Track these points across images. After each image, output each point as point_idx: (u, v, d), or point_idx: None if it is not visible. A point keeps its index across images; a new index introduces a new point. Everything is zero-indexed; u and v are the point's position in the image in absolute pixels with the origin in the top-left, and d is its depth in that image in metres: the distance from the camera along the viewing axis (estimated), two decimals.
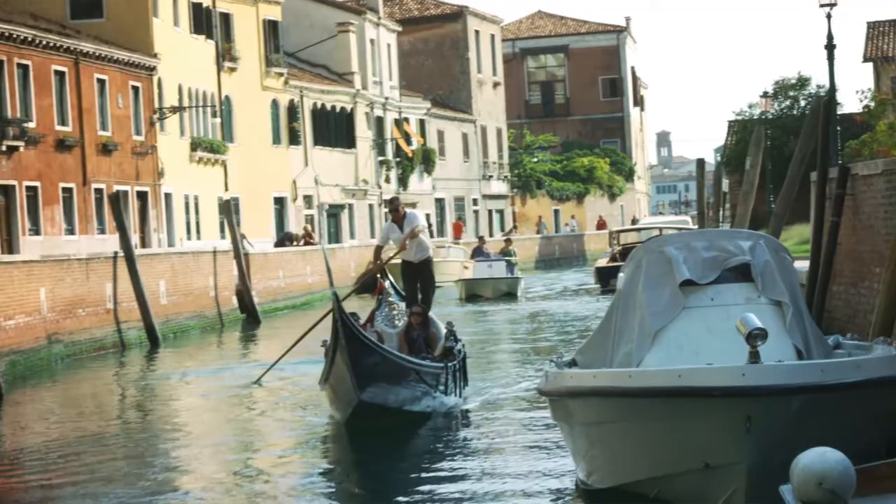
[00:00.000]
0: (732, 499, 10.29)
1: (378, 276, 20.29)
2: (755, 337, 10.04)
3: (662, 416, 10.44)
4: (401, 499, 13.08)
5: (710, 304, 11.53)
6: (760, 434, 9.94)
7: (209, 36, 54.42)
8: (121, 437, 18.84)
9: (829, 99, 24.17)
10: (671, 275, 11.83)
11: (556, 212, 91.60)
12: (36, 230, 41.76)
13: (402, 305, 19.43)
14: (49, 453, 17.52)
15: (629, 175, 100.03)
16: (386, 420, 16.96)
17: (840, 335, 12.98)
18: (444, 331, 19.12)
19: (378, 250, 20.43)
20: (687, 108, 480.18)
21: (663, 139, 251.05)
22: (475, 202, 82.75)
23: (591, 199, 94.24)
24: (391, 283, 20.40)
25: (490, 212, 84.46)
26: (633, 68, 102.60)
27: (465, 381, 19.46)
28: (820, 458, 7.17)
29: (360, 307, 21.34)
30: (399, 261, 20.32)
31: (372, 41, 70.62)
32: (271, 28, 60.29)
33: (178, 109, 50.77)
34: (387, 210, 20.53)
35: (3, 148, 40.02)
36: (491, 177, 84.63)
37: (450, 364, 18.39)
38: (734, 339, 10.54)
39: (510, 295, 46.76)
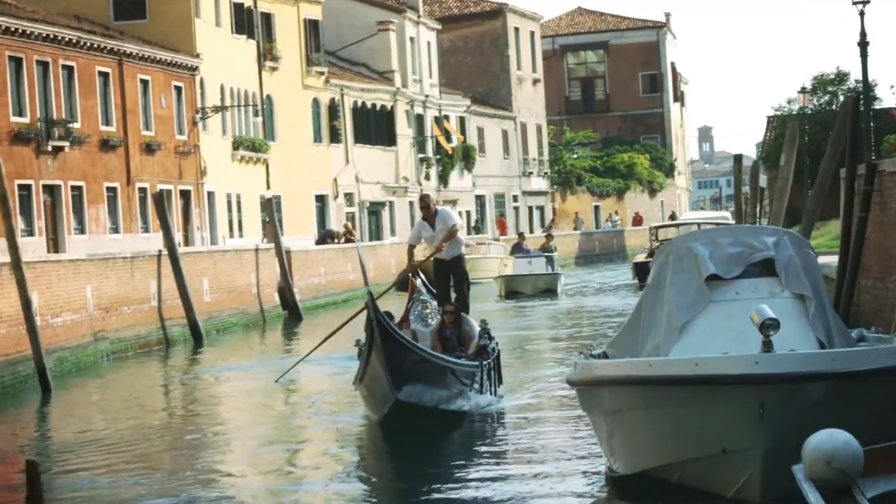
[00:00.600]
0: (749, 483, 10.72)
1: (410, 274, 20.05)
2: (768, 327, 10.50)
3: (681, 404, 10.90)
4: (437, 494, 13.28)
5: (735, 297, 11.91)
6: (774, 420, 10.35)
7: (251, 36, 54.97)
8: (162, 432, 19.20)
9: (856, 97, 24.38)
10: (697, 270, 12.25)
11: (597, 208, 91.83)
12: (81, 229, 42.37)
13: (435, 304, 19.25)
14: (94, 446, 17.94)
15: (669, 171, 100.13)
16: (421, 419, 16.82)
17: (864, 328, 13.31)
18: (477, 329, 18.88)
19: (411, 249, 20.28)
20: (729, 104, 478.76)
21: (705, 134, 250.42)
22: (515, 199, 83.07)
23: (631, 194, 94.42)
24: (423, 281, 20.08)
25: (530, 208, 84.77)
26: (672, 64, 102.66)
27: (499, 380, 19.28)
28: (829, 439, 7.53)
29: (387, 304, 20.74)
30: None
31: (412, 39, 71.03)
32: (312, 27, 60.80)
33: (221, 109, 51.33)
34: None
35: (49, 148, 40.63)
36: (531, 173, 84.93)
37: (484, 362, 18.25)
38: (757, 332, 10.91)
39: (550, 291, 46.71)
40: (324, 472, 15.24)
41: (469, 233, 74.70)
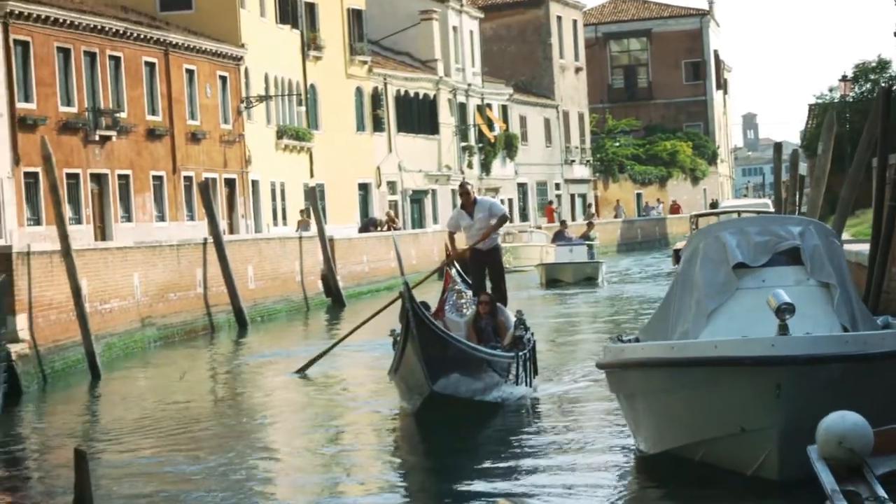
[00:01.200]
0: (767, 461, 11.16)
1: (446, 265, 19.88)
2: (784, 311, 10.98)
3: (701, 384, 11.37)
4: (470, 478, 13.44)
5: (762, 285, 12.29)
6: (789, 400, 10.78)
7: (294, 25, 55.47)
8: (206, 417, 19.52)
9: (888, 87, 24.63)
10: (725, 258, 12.68)
11: (639, 195, 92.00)
12: (128, 217, 43.00)
13: (470, 293, 19.09)
14: (141, 431, 18.34)
15: (712, 158, 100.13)
16: (456, 410, 16.66)
17: (891, 316, 13.66)
18: (512, 319, 18.61)
19: (451, 237, 19.97)
20: (774, 91, 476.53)
21: (749, 122, 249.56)
22: (557, 187, 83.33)
23: (673, 182, 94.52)
24: (458, 271, 19.87)
25: (572, 196, 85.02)
26: (716, 52, 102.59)
27: (534, 371, 19.08)
28: (840, 420, 7.93)
29: (423, 293, 20.51)
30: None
31: (455, 28, 71.38)
32: (355, 17, 61.25)
33: (265, 98, 51.87)
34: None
35: (97, 138, 41.27)
36: (573, 161, 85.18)
37: (520, 353, 18.02)
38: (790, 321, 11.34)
39: (590, 279, 46.42)
40: (358, 461, 15.31)
41: (511, 221, 75.10)
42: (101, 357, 26.12)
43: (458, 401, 16.74)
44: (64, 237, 25.66)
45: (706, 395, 11.40)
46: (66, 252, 25.54)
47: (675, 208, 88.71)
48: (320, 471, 14.82)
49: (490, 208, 19.62)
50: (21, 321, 23.75)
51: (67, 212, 31.46)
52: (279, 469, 15.12)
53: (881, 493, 7.21)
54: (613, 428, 15.60)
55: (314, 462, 15.46)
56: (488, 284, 19.61)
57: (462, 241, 20.36)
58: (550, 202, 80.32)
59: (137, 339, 30.55)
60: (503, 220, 19.55)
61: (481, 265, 19.56)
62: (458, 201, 20.59)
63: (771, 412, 10.91)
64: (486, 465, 14.26)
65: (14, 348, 22.91)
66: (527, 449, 15.08)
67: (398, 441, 16.81)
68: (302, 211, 51.34)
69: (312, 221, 45.56)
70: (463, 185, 20.15)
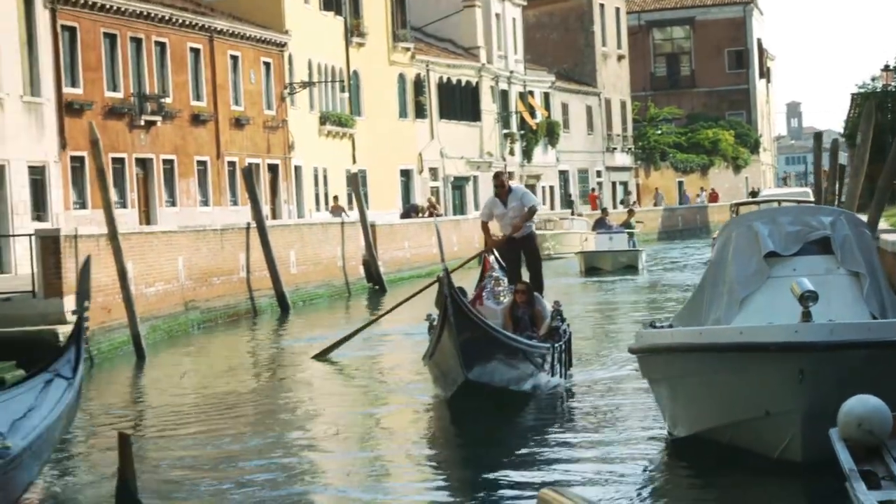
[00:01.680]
0: (791, 444, 11.46)
1: (484, 252, 19.99)
2: (807, 298, 11.28)
3: (728, 369, 11.70)
4: (503, 464, 13.50)
5: (793, 274, 12.56)
6: (812, 385, 11.09)
7: (338, 12, 55.84)
8: (247, 400, 19.71)
9: None
10: (757, 247, 12.99)
11: (680, 183, 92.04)
12: (172, 202, 43.51)
13: (506, 281, 19.06)
14: (184, 412, 18.64)
15: (754, 147, 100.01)
16: (489, 397, 16.59)
17: None
18: (549, 309, 18.51)
19: (485, 226, 20.03)
20: (818, 80, 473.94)
21: (794, 110, 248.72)
22: (598, 174, 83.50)
23: (715, 170, 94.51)
24: (496, 257, 19.89)
25: (613, 184, 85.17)
26: (759, 40, 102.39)
27: (569, 363, 19.03)
28: (861, 404, 8.24)
29: (460, 279, 20.02)
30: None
31: (497, 15, 71.59)
32: (398, 4, 61.55)
33: (308, 84, 52.28)
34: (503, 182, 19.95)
35: (142, 123, 41.77)
36: (615, 149, 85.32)
37: (556, 345, 17.97)
38: (814, 309, 11.61)
39: (630, 268, 46.25)
40: (394, 448, 15.31)
41: (552, 208, 75.25)
42: (145, 339, 26.53)
43: (492, 389, 16.65)
44: (110, 221, 26.09)
45: (732, 380, 11.73)
46: (112, 236, 25.97)
47: (713, 196, 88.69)
48: (355, 458, 14.81)
49: (522, 197, 19.66)
50: (69, 303, 24.15)
51: (113, 196, 31.87)
52: (315, 457, 15.11)
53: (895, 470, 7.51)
54: (646, 412, 15.81)
55: (349, 449, 15.44)
56: (524, 273, 19.61)
57: (495, 230, 20.32)
58: (593, 189, 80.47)
59: (181, 322, 30.96)
60: (533, 211, 19.59)
61: (516, 253, 19.60)
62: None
63: (794, 396, 11.21)
64: (521, 451, 14.33)
65: (62, 330, 23.35)
66: (560, 435, 15.19)
67: (433, 428, 16.73)
68: (335, 197, 51.74)
69: (348, 207, 45.81)
70: (498, 175, 20.23)
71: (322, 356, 23.64)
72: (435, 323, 17.17)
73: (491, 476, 12.94)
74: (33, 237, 25.03)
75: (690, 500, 11.94)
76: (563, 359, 18.38)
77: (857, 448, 8.05)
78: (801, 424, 11.29)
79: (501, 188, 19.62)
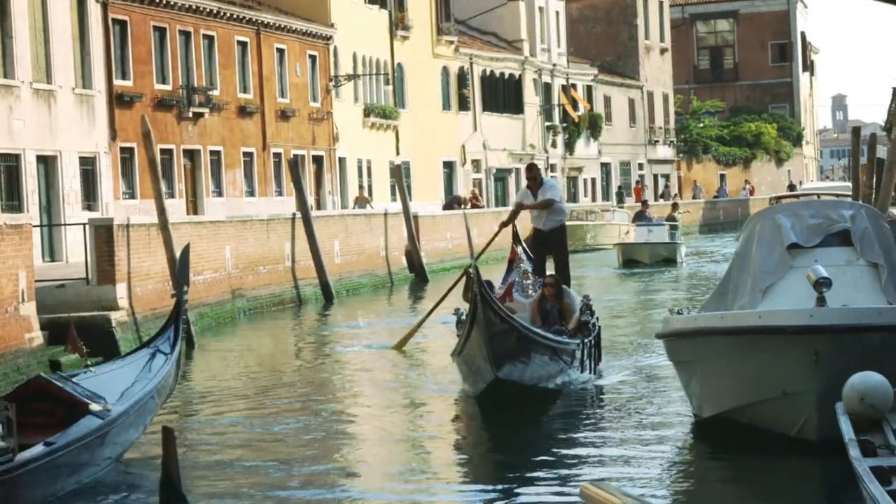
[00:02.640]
0: (807, 423, 12.12)
1: (512, 243, 19.87)
2: (821, 284, 12.01)
3: (747, 351, 12.41)
4: (546, 466, 13.48)
5: (814, 264, 13.19)
6: (827, 366, 11.74)
7: (383, 6, 56.52)
8: (289, 389, 20.03)
9: None
10: (780, 239, 13.68)
11: (722, 176, 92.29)
12: (219, 192, 44.32)
13: (532, 274, 18.89)
14: (231, 394, 19.29)
15: (797, 140, 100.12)
16: (517, 394, 16.31)
17: None
18: (578, 302, 18.28)
19: (518, 207, 20.04)
20: (863, 74, 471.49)
21: (839, 103, 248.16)
22: (640, 167, 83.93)
23: (757, 164, 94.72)
24: (524, 248, 19.83)
25: (655, 176, 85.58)
26: (803, 33, 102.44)
27: (598, 357, 18.63)
28: (863, 379, 8.90)
29: (488, 271, 19.94)
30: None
31: (541, 9, 72.11)
32: None
33: (353, 77, 53.01)
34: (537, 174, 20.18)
35: (190, 114, 42.60)
36: (657, 142, 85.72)
37: (585, 340, 17.70)
38: (833, 296, 12.28)
39: (669, 260, 45.92)
40: (427, 444, 15.23)
41: (593, 199, 75.72)
42: (194, 326, 27.23)
43: (521, 387, 16.38)
44: (161, 211, 26.82)
45: (752, 362, 12.42)
46: (163, 225, 26.69)
47: (751, 190, 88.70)
48: (389, 453, 14.76)
49: (549, 191, 19.74)
50: (121, 290, 24.91)
51: (162, 186, 32.63)
52: (352, 449, 15.06)
53: (893, 441, 8.14)
54: (671, 390, 16.47)
55: (383, 448, 15.20)
56: (550, 266, 19.46)
57: (524, 221, 20.27)
58: (638, 182, 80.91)
59: (228, 309, 31.64)
60: (544, 202, 19.48)
61: (543, 246, 19.60)
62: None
63: (810, 378, 11.86)
64: (555, 444, 14.41)
65: (114, 316, 24.10)
66: (592, 425, 15.38)
67: (463, 425, 16.49)
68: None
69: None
70: (531, 168, 20.24)
71: (401, 346, 23.46)
72: (463, 318, 17.06)
73: (529, 473, 12.98)
74: (87, 226, 25.79)
75: (717, 481, 12.48)
76: (592, 353, 18.11)
77: (860, 421, 8.68)
78: (816, 404, 11.92)
79: (534, 181, 19.78)
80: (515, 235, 19.91)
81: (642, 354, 21.39)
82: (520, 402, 16.31)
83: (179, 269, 16.49)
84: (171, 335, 15.16)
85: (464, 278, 18.67)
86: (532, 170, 20.14)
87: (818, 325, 11.88)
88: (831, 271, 12.72)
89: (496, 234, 20.37)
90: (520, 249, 19.68)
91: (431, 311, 23.37)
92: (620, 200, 73.30)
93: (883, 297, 13.10)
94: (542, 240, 19.70)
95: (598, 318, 18.85)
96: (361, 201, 50.10)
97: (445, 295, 22.92)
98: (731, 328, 12.63)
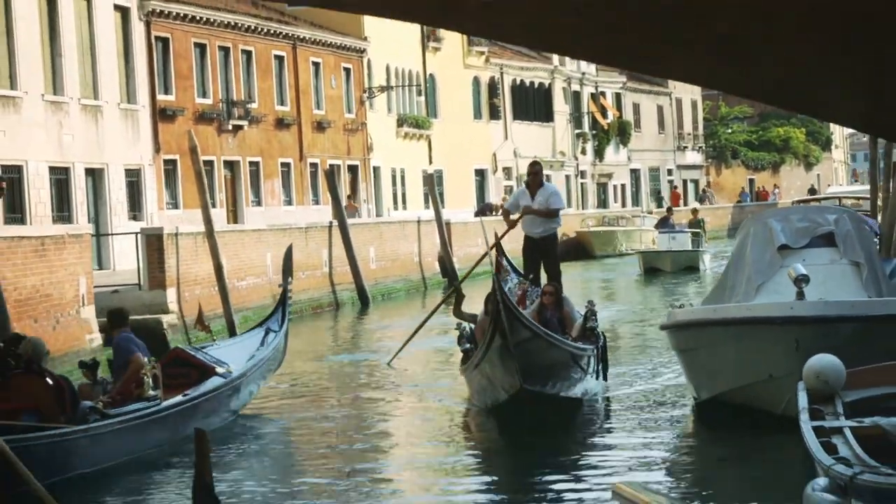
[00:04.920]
0: (791, 402, 13.60)
1: (496, 255, 19.21)
2: (800, 280, 13.70)
3: (738, 339, 14.07)
4: (573, 469, 13.74)
5: (802, 264, 14.72)
6: (806, 352, 13.16)
7: None
8: (323, 384, 21.22)
9: None
10: (771, 241, 15.37)
11: (751, 181, 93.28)
12: (258, 201, 45.86)
13: (528, 284, 18.36)
14: (274, 392, 20.22)
15: (826, 144, 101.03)
16: (536, 405, 15.63)
17: None
18: (577, 310, 17.68)
19: (506, 213, 19.55)
20: None
21: None
22: (669, 172, 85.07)
23: (786, 168, 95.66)
24: (508, 260, 19.51)
25: (684, 181, 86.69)
26: None
27: (607, 364, 17.83)
28: (819, 360, 10.41)
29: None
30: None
31: None
32: None
33: (386, 88, 54.45)
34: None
35: (230, 127, 44.18)
36: (685, 147, 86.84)
37: (598, 346, 17.21)
38: (817, 291, 13.83)
39: (692, 268, 44.28)
40: (445, 450, 15.18)
41: (636, 205, 76.67)
42: (239, 328, 28.62)
43: (545, 397, 15.77)
44: (208, 220, 28.28)
45: (741, 349, 14.07)
46: (209, 233, 28.21)
47: (763, 195, 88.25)
48: (414, 460, 14.84)
49: (550, 196, 18.98)
50: (171, 294, 26.50)
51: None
52: (371, 462, 14.79)
53: (840, 410, 9.65)
54: (674, 377, 18.08)
55: (407, 454, 15.30)
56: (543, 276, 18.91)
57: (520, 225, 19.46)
58: (675, 187, 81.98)
59: (270, 313, 32.99)
60: (551, 212, 18.83)
61: (535, 252, 18.94)
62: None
63: (791, 362, 13.36)
64: (579, 446, 14.78)
65: (165, 319, 25.65)
66: (608, 422, 16.23)
67: (484, 432, 16.28)
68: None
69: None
70: (534, 165, 19.54)
71: (391, 360, 22.61)
72: (467, 331, 16.77)
73: (559, 476, 13.15)
74: (138, 235, 27.40)
75: (716, 458, 13.90)
76: (605, 358, 17.61)
77: (816, 395, 10.17)
78: (798, 386, 13.46)
79: (535, 178, 19.09)
80: (499, 247, 19.26)
81: (650, 356, 21.91)
82: (537, 411, 15.65)
83: (285, 264, 20.40)
84: (280, 316, 18.97)
85: (453, 296, 19.06)
86: (534, 166, 19.46)
87: (797, 315, 13.51)
88: (817, 269, 14.26)
89: (504, 234, 19.54)
90: (505, 262, 19.32)
91: (419, 327, 22.61)
92: (660, 205, 73.84)
93: (864, 292, 14.64)
94: (533, 246, 18.98)
95: (598, 322, 17.79)
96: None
97: (433, 312, 22.96)
98: (725, 319, 14.34)
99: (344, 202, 41.28)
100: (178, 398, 15.19)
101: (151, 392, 14.73)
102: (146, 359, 14.92)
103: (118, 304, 25.71)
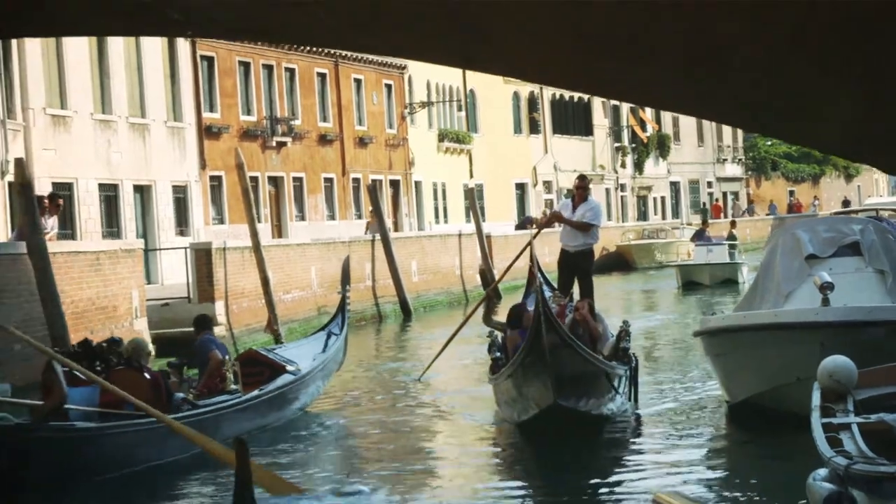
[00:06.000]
0: None
1: (530, 266, 18.78)
2: (825, 288, 14.40)
3: (767, 344, 14.69)
4: (612, 477, 13.82)
5: (828, 272, 15.33)
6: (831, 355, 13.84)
7: None
8: (362, 391, 21.62)
9: None
10: (799, 251, 16.01)
11: (791, 193, 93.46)
12: (301, 216, 46.58)
13: (562, 298, 17.98)
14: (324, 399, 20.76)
15: None
16: (567, 422, 15.23)
17: None
18: (610, 328, 17.48)
19: (555, 213, 20.07)
20: None
21: None
22: (709, 185, 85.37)
23: (826, 180, 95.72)
24: (542, 273, 18.88)
25: (724, 194, 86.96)
26: None
27: (636, 388, 17.34)
28: (833, 360, 10.97)
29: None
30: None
31: None
32: None
33: (427, 104, 55.13)
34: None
35: (274, 143, 44.95)
36: (725, 160, 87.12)
37: (631, 366, 16.83)
38: (842, 297, 14.44)
39: (730, 281, 43.32)
40: (477, 463, 15.28)
41: (663, 217, 77.17)
42: (284, 339, 29.35)
43: (577, 414, 15.32)
44: (254, 234, 28.99)
45: (770, 353, 14.67)
46: (256, 247, 28.88)
47: (797, 207, 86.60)
48: (447, 476, 14.76)
49: (589, 211, 19.17)
50: (219, 307, 27.19)
51: None
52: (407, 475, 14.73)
53: (851, 408, 10.24)
54: (707, 381, 18.69)
55: (440, 468, 15.19)
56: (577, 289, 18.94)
57: (559, 238, 19.79)
58: (717, 200, 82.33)
59: (314, 325, 33.17)
60: (584, 225, 19.03)
61: (569, 267, 19.15)
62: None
63: (817, 365, 13.94)
64: (614, 456, 14.84)
65: (214, 330, 26.29)
66: (641, 434, 16.22)
67: (514, 445, 15.95)
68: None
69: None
70: (581, 178, 19.79)
71: (422, 376, 22.45)
72: (498, 340, 16.80)
73: (598, 487, 13.20)
74: (188, 250, 28.17)
75: (751, 463, 14.28)
76: (636, 380, 17.23)
77: (829, 394, 10.74)
78: None
79: (581, 192, 19.31)
80: (536, 263, 17.91)
81: (684, 365, 22.08)
82: (567, 427, 15.28)
83: (343, 274, 22.29)
84: (340, 321, 20.69)
85: (483, 304, 20.03)
86: (583, 180, 19.79)
87: (822, 321, 14.17)
88: (843, 277, 14.90)
89: (537, 233, 21.39)
90: (539, 277, 17.82)
91: (450, 340, 22.53)
92: (705, 218, 73.88)
93: (888, 298, 15.25)
94: (568, 260, 19.22)
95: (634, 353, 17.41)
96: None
97: (464, 322, 22.67)
98: (754, 325, 15.00)
99: (367, 217, 41.62)
100: (255, 392, 16.84)
101: (233, 386, 16.55)
102: (225, 357, 16.77)
103: (168, 316, 26.71)
